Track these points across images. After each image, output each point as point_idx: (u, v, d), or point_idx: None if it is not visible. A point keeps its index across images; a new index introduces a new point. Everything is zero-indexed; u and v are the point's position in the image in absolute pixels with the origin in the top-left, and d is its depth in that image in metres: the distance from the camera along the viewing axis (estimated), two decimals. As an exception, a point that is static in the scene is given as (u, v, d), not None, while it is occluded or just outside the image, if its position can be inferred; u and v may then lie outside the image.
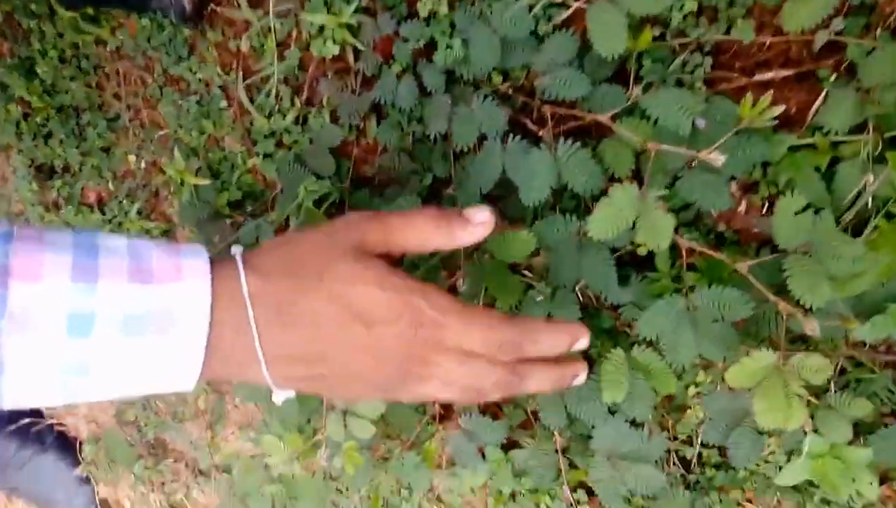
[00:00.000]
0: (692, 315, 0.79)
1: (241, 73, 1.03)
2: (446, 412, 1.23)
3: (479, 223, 0.43)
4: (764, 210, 0.82)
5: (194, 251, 0.43)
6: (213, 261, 0.43)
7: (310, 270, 0.42)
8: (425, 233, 0.42)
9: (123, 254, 0.40)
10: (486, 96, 0.84)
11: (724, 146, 0.73)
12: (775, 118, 0.79)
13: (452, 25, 0.88)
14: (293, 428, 1.09)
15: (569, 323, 0.46)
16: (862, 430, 0.89)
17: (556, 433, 1.05)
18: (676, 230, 0.86)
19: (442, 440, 1.20)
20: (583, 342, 0.42)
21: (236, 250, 0.44)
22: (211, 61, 1.04)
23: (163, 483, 1.49)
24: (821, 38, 0.72)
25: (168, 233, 1.28)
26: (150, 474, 1.47)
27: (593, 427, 0.98)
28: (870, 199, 0.72)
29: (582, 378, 0.45)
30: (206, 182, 1.07)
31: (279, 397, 0.49)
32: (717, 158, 0.68)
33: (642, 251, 0.89)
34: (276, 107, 1.02)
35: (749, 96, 0.66)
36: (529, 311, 0.95)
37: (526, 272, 0.98)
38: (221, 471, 1.42)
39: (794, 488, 0.96)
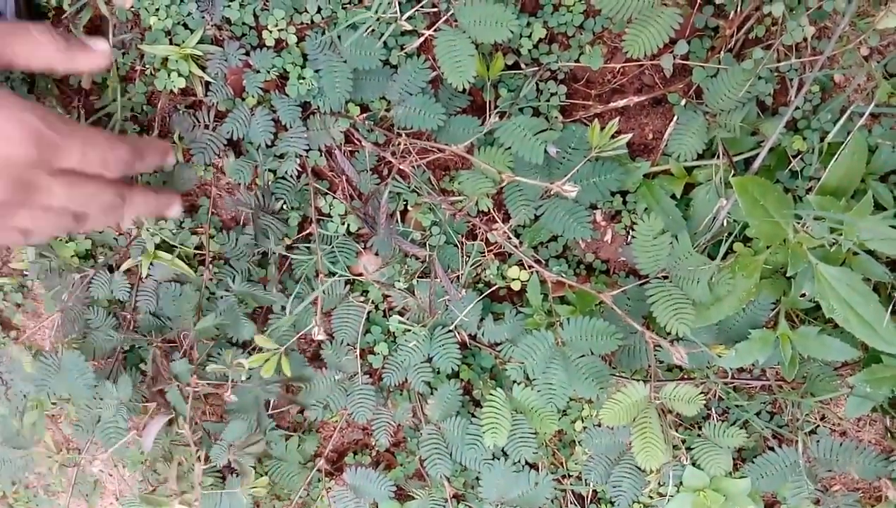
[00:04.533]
0: (562, 350, 0.75)
1: (83, 112, 0.94)
2: (334, 467, 1.14)
3: (98, 51, 0.44)
4: (628, 238, 0.80)
5: None
6: None
7: None
8: (40, 43, 0.42)
9: None
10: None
11: (579, 175, 0.71)
12: (632, 144, 0.78)
13: (304, 56, 0.83)
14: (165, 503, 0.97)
15: (160, 141, 0.57)
16: (746, 457, 0.87)
17: (445, 482, 0.99)
18: (546, 263, 0.83)
19: (332, 497, 1.11)
20: (171, 158, 0.52)
21: None
22: (51, 99, 0.95)
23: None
24: (666, 63, 0.71)
25: (24, 289, 1.16)
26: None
27: (480, 473, 0.93)
28: (724, 223, 0.70)
29: (176, 209, 0.57)
30: (47, 230, 0.97)
31: None
32: (570, 189, 0.66)
33: (516, 285, 0.86)
34: (125, 146, 0.94)
35: (596, 123, 0.64)
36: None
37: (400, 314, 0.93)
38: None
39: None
